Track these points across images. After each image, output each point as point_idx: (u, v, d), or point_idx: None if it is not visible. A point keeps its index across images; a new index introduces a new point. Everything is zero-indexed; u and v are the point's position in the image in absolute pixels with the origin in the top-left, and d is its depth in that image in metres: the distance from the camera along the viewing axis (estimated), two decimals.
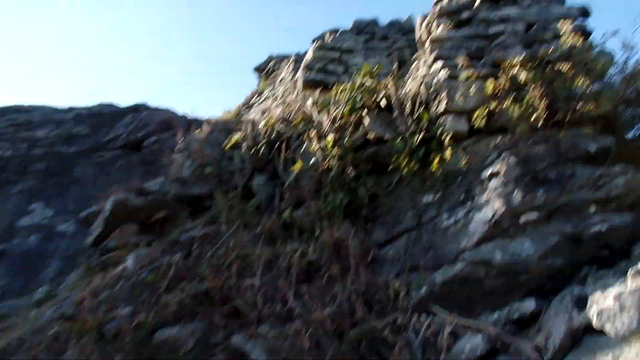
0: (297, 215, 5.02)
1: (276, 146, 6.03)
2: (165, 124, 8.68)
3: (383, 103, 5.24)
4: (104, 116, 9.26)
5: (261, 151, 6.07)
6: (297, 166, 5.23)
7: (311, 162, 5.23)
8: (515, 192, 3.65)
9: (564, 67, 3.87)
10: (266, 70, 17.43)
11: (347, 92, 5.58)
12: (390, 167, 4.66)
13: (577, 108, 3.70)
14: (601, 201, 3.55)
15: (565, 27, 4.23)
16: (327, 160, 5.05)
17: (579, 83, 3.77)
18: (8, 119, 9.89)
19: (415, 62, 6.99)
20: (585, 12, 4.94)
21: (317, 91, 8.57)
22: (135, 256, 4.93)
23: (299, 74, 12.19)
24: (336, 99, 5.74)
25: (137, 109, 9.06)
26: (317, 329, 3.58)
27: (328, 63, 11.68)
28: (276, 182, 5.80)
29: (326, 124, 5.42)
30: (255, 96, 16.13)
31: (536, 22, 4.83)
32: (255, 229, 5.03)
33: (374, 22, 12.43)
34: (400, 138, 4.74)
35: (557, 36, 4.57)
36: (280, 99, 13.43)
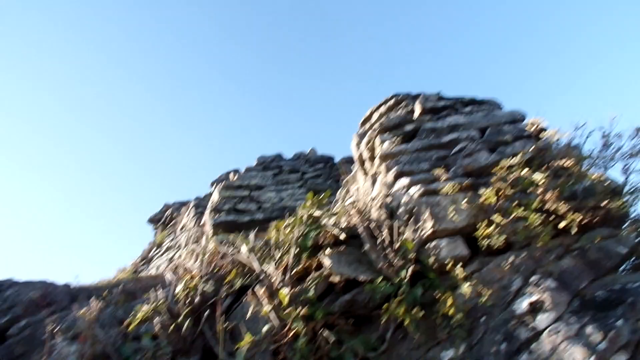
0: None
1: (205, 315, 4.39)
2: (39, 302, 6.37)
3: (342, 236, 4.19)
4: None
5: (185, 325, 4.35)
6: (246, 340, 3.67)
7: (264, 331, 3.73)
8: (587, 330, 2.63)
9: (566, 163, 3.31)
10: (163, 219, 15.74)
11: (293, 228, 4.44)
12: (383, 318, 3.40)
13: (602, 206, 3.04)
14: None
15: (534, 126, 3.85)
16: (288, 326, 3.61)
17: (589, 179, 3.19)
18: None
19: (348, 185, 6.31)
20: (524, 115, 4.81)
21: (233, 234, 7.35)
22: None
23: (206, 217, 10.89)
24: (279, 239, 4.54)
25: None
26: None
27: (238, 202, 10.69)
28: None
29: (275, 275, 4.08)
30: (154, 249, 14.10)
31: (487, 127, 4.49)
32: None
33: (279, 157, 12.10)
34: (381, 278, 3.61)
35: (517, 137, 4.22)
36: (184, 248, 11.75)
